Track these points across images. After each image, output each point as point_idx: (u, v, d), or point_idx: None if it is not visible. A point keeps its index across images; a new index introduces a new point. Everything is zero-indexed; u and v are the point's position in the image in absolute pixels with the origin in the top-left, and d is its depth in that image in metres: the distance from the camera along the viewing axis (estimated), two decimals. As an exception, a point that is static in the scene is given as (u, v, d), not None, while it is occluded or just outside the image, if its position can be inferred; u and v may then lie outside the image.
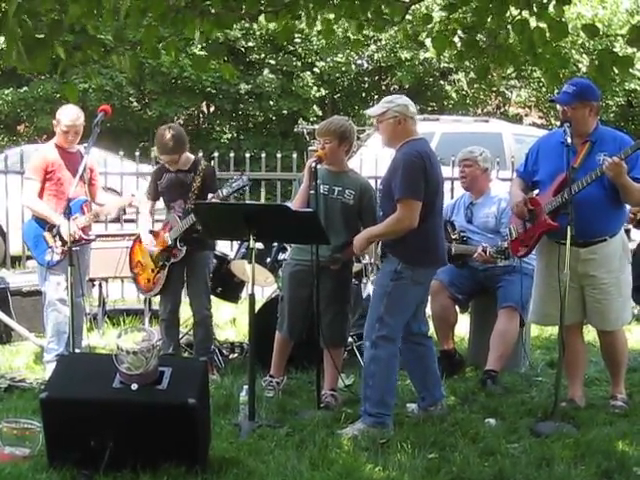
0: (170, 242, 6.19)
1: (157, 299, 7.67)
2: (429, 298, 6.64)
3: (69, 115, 6.21)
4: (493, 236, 6.33)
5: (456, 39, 4.74)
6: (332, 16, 4.79)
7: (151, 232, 6.36)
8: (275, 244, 6.55)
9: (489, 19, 4.43)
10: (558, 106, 5.48)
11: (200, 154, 6.56)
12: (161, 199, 6.49)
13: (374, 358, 5.09)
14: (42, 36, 3.97)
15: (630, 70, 4.14)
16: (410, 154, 5.05)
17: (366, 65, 24.24)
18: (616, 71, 4.06)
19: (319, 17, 4.90)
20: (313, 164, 5.46)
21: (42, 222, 6.21)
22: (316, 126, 6.04)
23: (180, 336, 6.65)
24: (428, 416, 5.27)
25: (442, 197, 5.30)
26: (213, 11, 4.24)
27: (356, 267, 6.29)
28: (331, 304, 5.61)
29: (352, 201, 5.60)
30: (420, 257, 5.11)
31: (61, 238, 5.96)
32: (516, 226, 5.69)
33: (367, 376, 5.14)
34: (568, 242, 5.05)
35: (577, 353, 5.62)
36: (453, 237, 6.47)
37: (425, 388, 5.43)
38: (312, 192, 5.49)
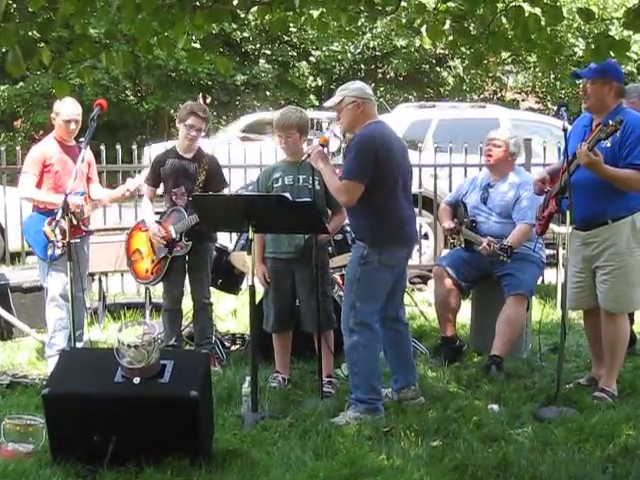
0: (175, 235, 6.18)
1: (157, 292, 7.69)
2: (433, 284, 6.68)
3: (68, 105, 6.21)
4: (504, 220, 6.29)
5: (447, 26, 4.70)
6: (323, 10, 4.74)
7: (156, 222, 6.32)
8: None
9: (481, 6, 4.40)
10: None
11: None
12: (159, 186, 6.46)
13: (354, 346, 5.10)
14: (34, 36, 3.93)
15: (627, 53, 4.11)
16: (364, 136, 5.05)
17: (361, 53, 24.17)
18: (613, 55, 4.03)
19: (311, 13, 4.86)
20: (320, 148, 5.34)
21: (44, 214, 6.16)
22: (313, 115, 6.04)
23: (181, 328, 6.63)
24: (402, 398, 5.33)
25: (408, 178, 5.27)
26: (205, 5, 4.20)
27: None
28: (313, 289, 5.56)
29: (318, 185, 5.59)
30: (384, 239, 5.08)
31: (62, 232, 5.92)
32: (541, 204, 5.62)
33: (351, 364, 5.18)
34: (568, 225, 5.07)
35: (600, 333, 5.53)
36: (464, 220, 6.43)
37: (398, 371, 5.44)
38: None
